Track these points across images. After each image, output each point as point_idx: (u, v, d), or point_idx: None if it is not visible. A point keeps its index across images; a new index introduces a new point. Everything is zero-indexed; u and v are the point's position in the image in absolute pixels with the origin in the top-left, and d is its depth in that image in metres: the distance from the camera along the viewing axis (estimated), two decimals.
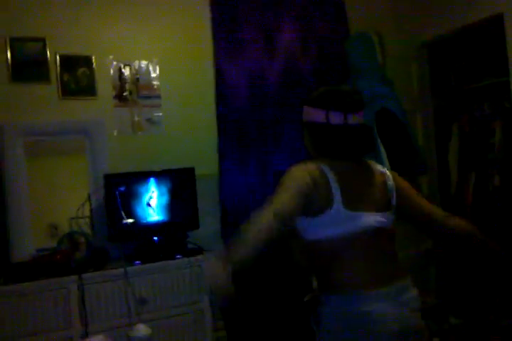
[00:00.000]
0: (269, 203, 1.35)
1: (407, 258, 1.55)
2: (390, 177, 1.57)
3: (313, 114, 1.53)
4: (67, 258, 2.50)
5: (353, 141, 1.51)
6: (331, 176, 1.44)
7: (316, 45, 3.50)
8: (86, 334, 2.33)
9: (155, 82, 3.12)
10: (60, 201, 2.85)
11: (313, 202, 1.42)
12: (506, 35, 3.14)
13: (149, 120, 3.10)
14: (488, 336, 3.32)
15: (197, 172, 2.94)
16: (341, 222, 1.43)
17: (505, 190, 3.50)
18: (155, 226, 2.82)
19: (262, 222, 1.32)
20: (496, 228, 3.61)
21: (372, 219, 1.46)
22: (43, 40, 2.82)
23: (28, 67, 2.79)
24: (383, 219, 1.49)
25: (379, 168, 1.60)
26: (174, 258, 2.68)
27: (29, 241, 2.66)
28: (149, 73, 3.11)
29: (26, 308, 2.31)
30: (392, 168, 1.64)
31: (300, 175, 1.44)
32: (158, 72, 3.13)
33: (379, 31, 3.33)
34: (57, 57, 2.85)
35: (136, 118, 3.06)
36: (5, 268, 2.47)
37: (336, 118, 1.48)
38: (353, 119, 1.49)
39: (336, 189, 1.43)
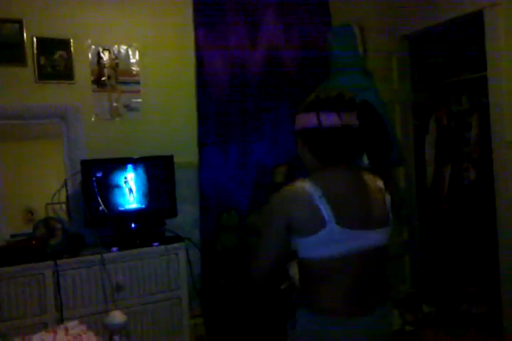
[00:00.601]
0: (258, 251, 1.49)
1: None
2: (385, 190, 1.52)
3: (304, 119, 1.45)
4: (43, 243, 2.46)
5: (348, 142, 1.43)
6: (319, 198, 1.36)
7: (299, 36, 3.50)
8: (61, 320, 2.31)
9: (134, 68, 3.07)
10: (36, 186, 2.80)
11: (302, 226, 1.38)
12: (485, 32, 3.19)
13: (128, 106, 3.06)
14: (459, 324, 3.41)
15: (176, 160, 2.92)
16: (336, 241, 1.36)
17: (480, 184, 3.57)
18: (132, 214, 2.80)
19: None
20: (470, 221, 3.70)
21: (369, 237, 1.42)
22: (19, 22, 2.75)
23: (4, 49, 2.71)
24: (381, 236, 1.45)
25: (376, 181, 1.53)
26: (151, 246, 2.66)
27: (4, 227, 2.62)
28: (129, 58, 3.06)
29: (0, 294, 2.27)
30: (369, 160, 1.61)
31: (279, 209, 1.41)
32: (137, 57, 3.08)
33: (361, 23, 3.35)
34: (34, 40, 2.78)
35: (115, 104, 3.02)
36: None
37: (328, 120, 1.40)
38: (347, 119, 1.40)
39: (327, 209, 1.35)
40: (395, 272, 3.80)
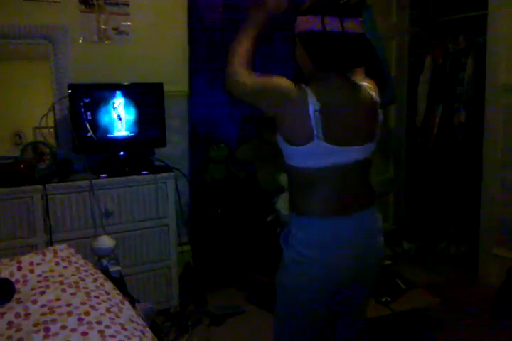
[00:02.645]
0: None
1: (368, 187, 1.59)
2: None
3: (307, 22, 1.40)
4: (31, 167, 2.45)
5: (350, 50, 1.40)
6: (313, 107, 1.36)
7: None
8: (50, 243, 2.35)
9: None
10: (24, 109, 2.74)
11: (290, 132, 1.41)
12: None
13: (117, 29, 2.94)
14: (437, 262, 3.56)
15: (165, 88, 2.86)
16: (321, 156, 1.40)
17: (469, 125, 3.58)
18: (121, 141, 2.77)
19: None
20: (456, 162, 3.75)
21: (354, 153, 1.45)
22: None
23: None
24: (366, 152, 1.48)
25: (372, 93, 1.51)
26: (140, 174, 2.67)
27: None
28: None
29: None
30: None
31: (283, 83, 1.40)
32: None
33: None
34: None
35: (103, 26, 2.90)
36: None
37: (332, 25, 1.37)
38: (351, 26, 1.38)
39: (318, 125, 1.36)
40: (379, 210, 3.89)
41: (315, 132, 1.36)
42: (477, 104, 3.40)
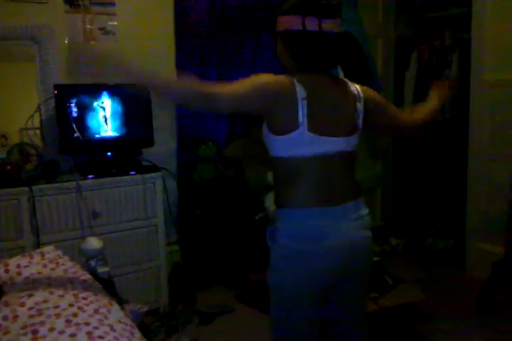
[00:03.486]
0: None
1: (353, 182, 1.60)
2: (361, 97, 1.54)
3: (288, 22, 1.43)
4: (18, 169, 2.44)
5: (328, 49, 1.44)
6: (301, 95, 1.39)
7: None
8: (38, 245, 2.34)
9: None
10: (9, 110, 2.73)
11: (277, 121, 1.42)
12: None
13: (103, 29, 2.94)
14: (425, 257, 3.59)
15: None
16: (305, 144, 1.42)
17: (455, 121, 3.62)
18: (108, 142, 2.77)
19: (209, 85, 1.35)
20: (442, 159, 3.78)
21: (336, 144, 1.46)
22: None
23: None
24: (348, 143, 1.50)
25: (353, 87, 1.54)
26: (128, 175, 2.67)
27: None
28: None
29: None
30: None
31: (269, 79, 1.41)
32: None
33: None
34: None
35: (89, 27, 2.89)
36: None
37: (311, 24, 1.40)
38: (329, 26, 1.41)
39: (304, 113, 1.39)
40: (367, 206, 3.92)
41: (300, 120, 1.39)
42: (462, 100, 3.43)
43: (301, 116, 1.39)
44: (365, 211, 1.57)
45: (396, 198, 4.15)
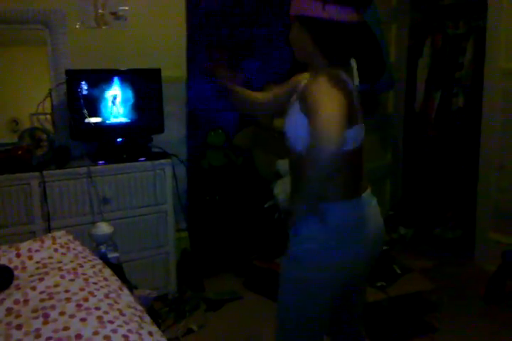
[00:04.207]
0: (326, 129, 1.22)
1: (367, 171, 1.59)
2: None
3: (317, 7, 1.33)
4: (29, 154, 2.45)
5: (355, 40, 1.40)
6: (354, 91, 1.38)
7: None
8: (49, 230, 2.36)
9: None
10: (21, 95, 2.74)
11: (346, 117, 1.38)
12: None
13: (114, 14, 2.92)
14: (434, 247, 3.58)
15: (163, 74, 2.84)
16: (357, 136, 1.42)
17: (468, 110, 3.58)
18: (118, 128, 2.77)
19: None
20: (453, 148, 3.76)
21: (362, 130, 1.47)
22: None
23: None
24: (363, 130, 1.50)
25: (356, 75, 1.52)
26: (138, 161, 2.67)
27: None
28: None
29: None
30: (360, 81, 1.57)
31: (337, 85, 1.34)
32: None
33: None
34: None
35: (100, 11, 2.87)
36: None
37: (344, 15, 1.33)
38: (356, 17, 1.36)
39: (357, 104, 1.39)
40: (376, 195, 3.90)
41: (357, 113, 1.40)
42: (476, 88, 3.39)
43: (356, 105, 1.40)
44: (375, 200, 1.58)
45: (406, 187, 4.13)
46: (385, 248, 3.18)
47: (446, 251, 3.55)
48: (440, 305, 2.76)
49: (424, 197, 3.98)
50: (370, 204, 1.53)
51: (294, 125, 1.43)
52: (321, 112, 1.24)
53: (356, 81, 1.49)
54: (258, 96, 1.78)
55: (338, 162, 1.29)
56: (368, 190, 1.54)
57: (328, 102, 1.27)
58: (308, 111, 1.31)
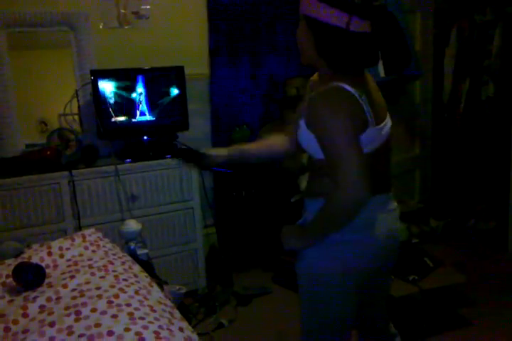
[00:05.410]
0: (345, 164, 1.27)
1: (395, 163, 1.56)
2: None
3: (331, 15, 1.29)
4: (58, 154, 2.49)
5: (368, 51, 1.36)
6: (359, 97, 1.32)
7: None
8: (79, 228, 2.40)
9: None
10: (48, 97, 2.79)
11: (355, 125, 1.34)
12: None
13: (136, 13, 2.93)
14: (465, 239, 3.51)
15: (187, 71, 2.85)
16: (374, 138, 1.38)
17: (497, 99, 3.49)
18: (144, 126, 2.80)
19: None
20: (484, 138, 3.67)
21: (385, 130, 1.43)
22: None
23: None
24: (389, 129, 1.47)
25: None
26: (164, 158, 2.69)
27: (18, 137, 2.63)
28: None
29: (19, 202, 2.34)
30: (385, 71, 1.53)
31: (341, 108, 1.31)
32: None
33: None
34: None
35: (123, 11, 2.89)
36: None
37: (359, 25, 1.29)
38: (365, 27, 1.31)
39: (368, 109, 1.34)
40: (405, 187, 3.86)
41: (368, 118, 1.34)
42: (506, 76, 3.31)
43: (368, 113, 1.34)
44: (396, 204, 1.55)
45: (435, 179, 4.05)
46: (415, 241, 3.15)
47: (479, 243, 3.48)
48: (475, 299, 2.71)
49: (455, 188, 3.90)
50: (385, 208, 1.48)
51: (307, 140, 1.41)
52: (336, 150, 1.28)
53: (382, 73, 1.45)
54: (277, 143, 1.75)
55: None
56: (389, 194, 1.51)
57: (334, 127, 1.29)
58: (319, 137, 1.34)
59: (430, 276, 2.62)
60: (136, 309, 1.30)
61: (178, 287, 2.06)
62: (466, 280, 2.67)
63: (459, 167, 3.88)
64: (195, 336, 1.30)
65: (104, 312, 1.26)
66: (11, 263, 1.54)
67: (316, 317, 1.54)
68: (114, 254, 1.70)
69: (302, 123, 1.40)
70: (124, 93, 2.71)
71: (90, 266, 1.54)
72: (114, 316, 1.25)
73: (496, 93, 3.48)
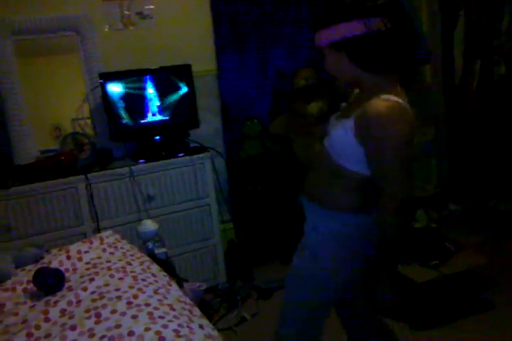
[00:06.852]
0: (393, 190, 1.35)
1: None
2: None
3: (346, 29, 1.35)
4: (73, 159, 2.52)
5: (395, 47, 1.39)
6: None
7: None
8: (98, 230, 2.44)
9: None
10: (60, 102, 2.81)
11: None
12: None
13: (140, 14, 2.94)
14: (486, 221, 3.47)
15: (194, 69, 2.86)
16: None
17: (510, 78, 3.43)
18: (155, 126, 2.81)
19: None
20: (499, 119, 3.61)
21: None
22: None
23: None
24: None
25: None
26: (177, 157, 2.71)
27: (33, 143, 2.66)
28: None
29: (38, 208, 2.38)
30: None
31: (407, 132, 1.34)
32: None
33: None
34: None
35: (126, 12, 2.90)
36: (10, 170, 2.49)
37: (376, 24, 1.33)
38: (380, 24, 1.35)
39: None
40: (422, 171, 3.82)
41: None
42: None
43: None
44: None
45: (452, 162, 4.00)
46: (434, 226, 3.13)
47: (499, 224, 3.43)
48: (497, 281, 2.68)
49: (472, 171, 3.84)
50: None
51: (348, 150, 1.42)
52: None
53: None
54: None
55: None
56: None
57: (398, 150, 1.33)
58: (373, 155, 1.37)
59: (451, 260, 2.60)
60: (156, 308, 1.32)
61: (198, 284, 2.08)
62: (487, 263, 2.64)
63: (476, 149, 3.82)
64: (215, 333, 1.31)
65: (124, 313, 1.28)
66: (31, 268, 1.58)
67: (305, 311, 1.62)
68: (132, 255, 1.72)
69: (349, 131, 1.39)
70: (133, 94, 2.73)
71: (109, 268, 1.57)
72: (134, 316, 1.27)
73: (508, 72, 3.42)
